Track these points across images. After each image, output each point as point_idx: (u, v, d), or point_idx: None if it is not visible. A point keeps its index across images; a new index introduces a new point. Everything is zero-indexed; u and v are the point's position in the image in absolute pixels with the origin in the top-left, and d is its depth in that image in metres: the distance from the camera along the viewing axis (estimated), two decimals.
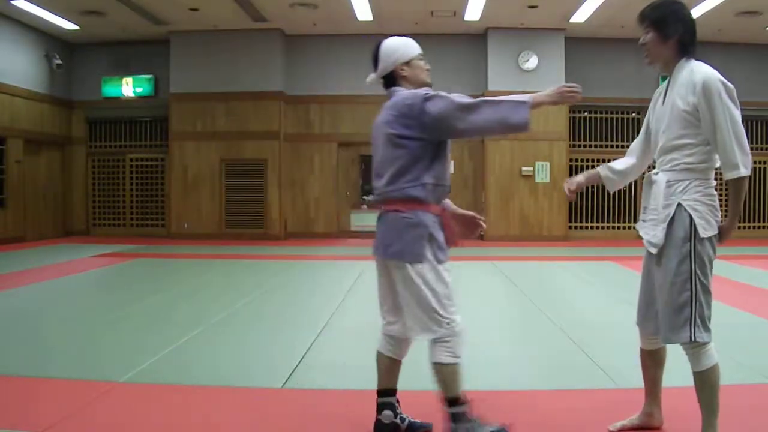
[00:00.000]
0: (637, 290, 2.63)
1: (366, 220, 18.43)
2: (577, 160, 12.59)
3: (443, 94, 2.48)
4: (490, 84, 12.20)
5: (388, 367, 2.69)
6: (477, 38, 12.57)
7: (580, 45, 12.52)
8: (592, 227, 13.14)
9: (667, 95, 2.48)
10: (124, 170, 13.36)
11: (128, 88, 13.06)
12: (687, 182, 2.40)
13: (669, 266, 2.38)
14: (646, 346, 2.64)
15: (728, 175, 2.35)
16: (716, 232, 2.39)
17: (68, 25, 11.79)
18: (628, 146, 2.88)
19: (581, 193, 13.56)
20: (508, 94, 2.53)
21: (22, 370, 3.62)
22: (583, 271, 8.17)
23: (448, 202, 2.70)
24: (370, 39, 12.93)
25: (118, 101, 13.15)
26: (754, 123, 12.93)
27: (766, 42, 12.61)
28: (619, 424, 2.70)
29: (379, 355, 2.71)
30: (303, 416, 2.96)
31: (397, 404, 2.70)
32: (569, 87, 2.44)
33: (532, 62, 12.33)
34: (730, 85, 2.35)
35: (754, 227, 13.09)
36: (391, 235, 2.51)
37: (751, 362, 3.72)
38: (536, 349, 4.24)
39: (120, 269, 8.32)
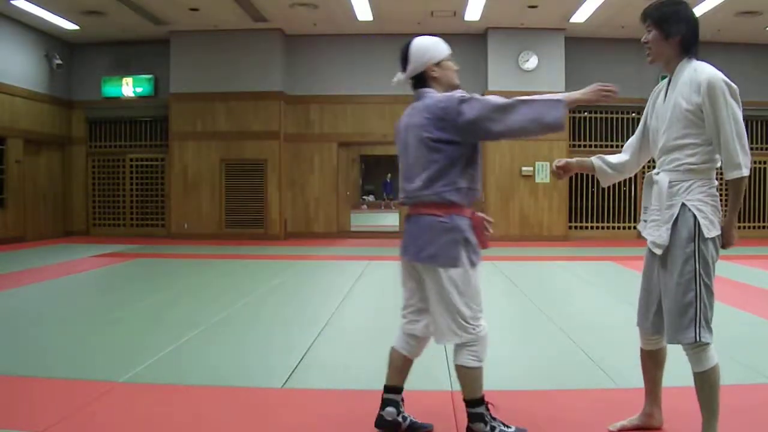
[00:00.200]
0: (637, 290, 2.63)
1: (366, 220, 18.47)
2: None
3: (478, 96, 2.46)
4: (490, 84, 12.19)
5: (400, 364, 2.70)
6: (477, 38, 12.56)
7: (580, 45, 12.52)
8: (592, 227, 13.14)
9: (668, 94, 2.48)
10: (124, 170, 13.36)
11: (128, 88, 13.06)
12: (690, 182, 2.40)
13: (674, 267, 2.38)
14: (647, 347, 2.64)
15: (730, 175, 2.35)
16: (719, 232, 2.39)
17: (68, 25, 11.79)
18: None
19: (581, 193, 13.56)
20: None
21: (21, 370, 3.62)
22: (583, 271, 8.17)
23: None
24: (370, 39, 12.92)
25: (118, 101, 13.15)
26: (754, 123, 12.92)
27: (766, 42, 12.61)
28: (619, 424, 2.70)
29: (394, 352, 2.71)
30: (303, 416, 2.96)
31: (401, 402, 2.71)
32: (606, 86, 2.44)
33: (532, 62, 12.33)
34: (734, 85, 2.36)
35: (754, 227, 13.09)
36: (425, 239, 2.50)
37: (751, 362, 3.72)
38: (536, 349, 4.24)
39: (120, 269, 8.31)
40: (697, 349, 2.36)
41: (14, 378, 3.45)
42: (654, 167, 2.57)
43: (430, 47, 2.61)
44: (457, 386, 3.07)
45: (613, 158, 2.77)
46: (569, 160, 2.78)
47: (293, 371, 3.63)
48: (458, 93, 2.49)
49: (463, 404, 2.60)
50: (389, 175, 26.30)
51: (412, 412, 2.75)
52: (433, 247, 2.47)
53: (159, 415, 2.95)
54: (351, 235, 13.15)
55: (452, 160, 2.48)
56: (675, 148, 2.43)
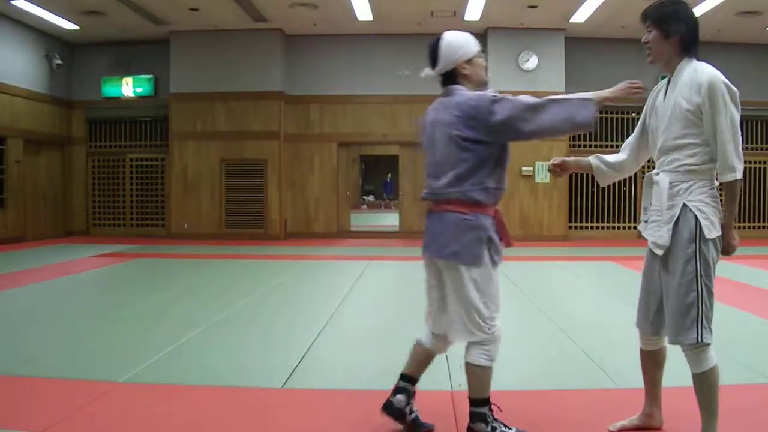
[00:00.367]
0: (637, 290, 2.63)
1: (366, 220, 18.46)
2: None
3: (509, 96, 2.45)
4: (489, 84, 12.17)
5: (422, 357, 2.72)
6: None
7: (580, 45, 12.52)
8: (592, 227, 13.14)
9: (668, 94, 2.48)
10: (124, 170, 13.36)
11: (128, 88, 13.06)
12: (690, 183, 2.40)
13: (675, 268, 2.38)
14: (646, 347, 2.64)
15: (725, 178, 2.35)
16: (720, 233, 2.39)
17: (68, 25, 11.79)
18: None
19: (581, 193, 13.54)
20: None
21: (21, 370, 3.62)
22: (583, 271, 8.17)
23: None
24: (370, 39, 12.91)
25: (118, 101, 13.15)
26: (754, 123, 12.90)
27: (766, 42, 12.60)
28: (619, 425, 2.70)
29: (418, 344, 2.73)
30: (303, 416, 2.96)
31: (413, 394, 2.71)
32: (635, 83, 2.45)
33: (532, 62, 12.33)
34: (734, 88, 2.36)
35: (754, 227, 13.07)
36: (448, 235, 2.49)
37: (751, 362, 3.72)
38: (536, 349, 4.25)
39: (120, 269, 8.32)
40: (697, 350, 2.36)
41: (14, 378, 3.45)
42: (653, 167, 2.57)
43: (462, 44, 2.58)
44: (456, 386, 3.08)
45: (611, 157, 2.76)
46: (566, 158, 2.78)
47: (293, 371, 3.63)
48: (490, 92, 2.49)
49: (463, 404, 2.60)
50: (389, 175, 26.28)
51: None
52: (456, 245, 2.46)
53: (159, 415, 2.95)
54: (351, 235, 13.15)
55: (481, 159, 2.47)
56: (674, 148, 2.43)
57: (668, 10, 2.45)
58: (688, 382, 2.45)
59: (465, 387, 2.62)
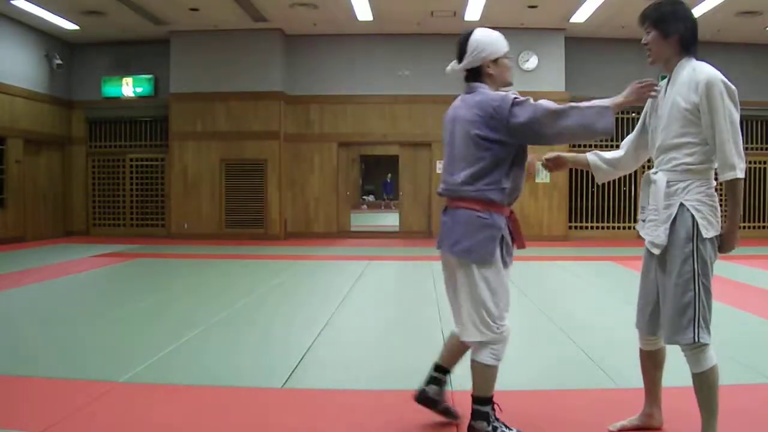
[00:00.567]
0: (636, 290, 2.63)
1: (366, 220, 18.46)
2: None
3: (531, 100, 2.45)
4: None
5: (455, 350, 2.75)
6: None
7: (580, 45, 12.52)
8: (592, 227, 13.14)
9: (668, 93, 2.48)
10: (124, 170, 13.36)
11: (128, 88, 13.06)
12: (688, 182, 2.39)
13: (672, 267, 2.38)
14: (645, 347, 2.64)
15: (724, 176, 2.34)
16: (718, 233, 2.39)
17: (68, 25, 11.79)
18: None
19: (581, 193, 13.52)
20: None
21: (21, 370, 3.62)
22: (583, 271, 8.17)
23: None
24: (370, 39, 12.89)
25: (118, 101, 13.15)
26: (754, 123, 12.90)
27: (766, 42, 12.60)
28: (619, 425, 2.70)
29: (453, 335, 2.75)
30: (303, 416, 2.96)
31: (444, 384, 2.76)
32: (643, 82, 2.46)
33: (532, 62, 12.33)
34: (732, 87, 2.36)
35: (754, 227, 13.08)
36: (461, 232, 2.49)
37: (751, 362, 3.72)
38: (536, 349, 4.24)
39: (120, 269, 8.32)
40: (696, 349, 2.36)
41: (14, 378, 3.45)
42: (653, 166, 2.57)
43: (490, 43, 2.56)
44: (457, 386, 3.08)
45: (609, 154, 2.77)
46: (562, 153, 2.79)
47: (293, 371, 3.62)
48: (511, 94, 2.48)
49: (464, 402, 2.60)
50: (389, 175, 26.28)
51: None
52: (468, 242, 2.47)
53: (159, 415, 2.95)
54: (351, 235, 13.15)
55: (498, 159, 2.47)
56: (673, 147, 2.43)
57: (666, 10, 2.45)
58: (688, 382, 2.44)
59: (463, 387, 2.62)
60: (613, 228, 13.06)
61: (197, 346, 4.24)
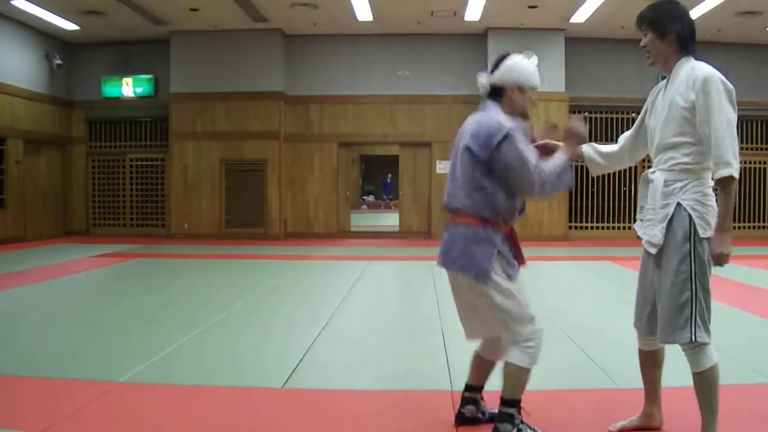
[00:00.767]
0: (636, 291, 2.63)
1: (366, 220, 18.45)
2: (576, 160, 12.57)
3: (522, 145, 2.46)
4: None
5: (479, 365, 2.76)
6: (477, 38, 12.56)
7: (580, 45, 12.51)
8: (592, 227, 13.14)
9: (666, 93, 2.48)
10: (124, 170, 13.36)
11: (128, 88, 13.06)
12: (685, 182, 2.39)
13: (669, 267, 2.38)
14: (644, 347, 2.64)
15: (720, 173, 2.31)
16: None
17: (68, 25, 11.79)
18: None
19: (581, 193, 13.50)
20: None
21: (21, 370, 3.62)
22: (583, 271, 8.18)
23: None
24: (370, 39, 12.88)
25: (118, 101, 13.15)
26: (754, 123, 12.90)
27: (766, 42, 12.60)
28: (619, 425, 2.70)
29: (475, 355, 2.78)
30: (303, 416, 2.96)
31: (481, 400, 2.77)
32: (571, 129, 2.64)
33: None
34: (730, 86, 2.35)
35: (754, 227, 13.07)
36: (457, 248, 2.52)
37: (751, 362, 3.72)
38: None
39: (120, 269, 8.32)
40: (695, 349, 2.36)
41: (14, 378, 3.45)
42: (651, 165, 2.57)
43: (521, 70, 2.61)
44: (457, 386, 3.08)
45: (604, 148, 2.78)
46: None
47: (293, 371, 3.62)
48: (507, 126, 2.46)
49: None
50: (389, 175, 26.27)
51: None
52: (465, 258, 2.49)
53: (159, 415, 2.95)
54: (351, 236, 13.15)
55: (492, 177, 2.50)
56: (670, 146, 2.43)
57: (662, 10, 2.46)
58: (688, 382, 2.44)
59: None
60: (613, 228, 13.07)
61: (197, 346, 4.24)
